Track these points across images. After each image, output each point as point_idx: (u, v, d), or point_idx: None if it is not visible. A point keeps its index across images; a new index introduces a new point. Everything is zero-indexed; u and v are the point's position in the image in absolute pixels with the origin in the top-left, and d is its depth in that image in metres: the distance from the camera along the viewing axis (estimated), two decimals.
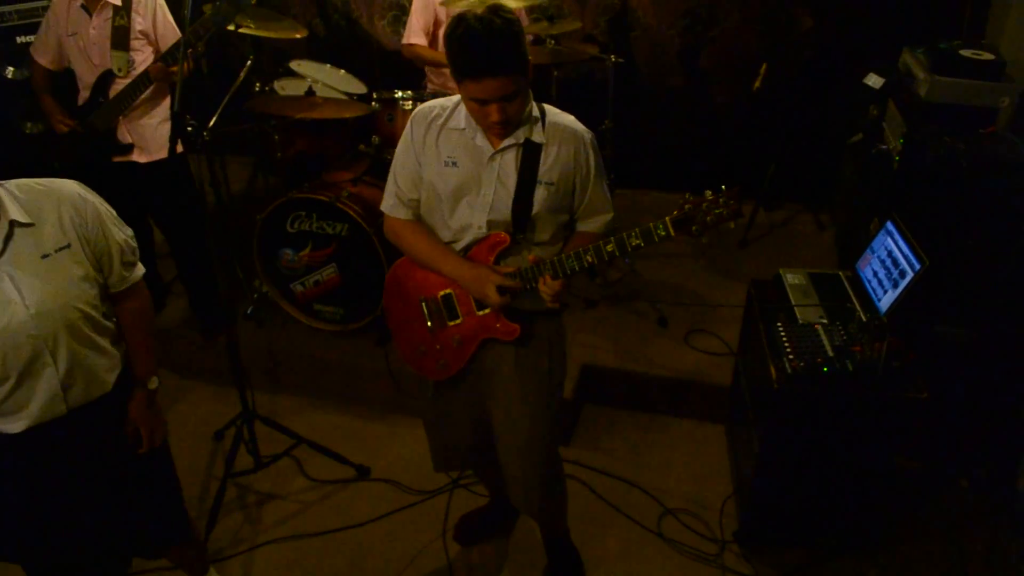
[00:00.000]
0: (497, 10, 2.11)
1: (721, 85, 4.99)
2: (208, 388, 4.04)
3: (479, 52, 2.08)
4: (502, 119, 2.18)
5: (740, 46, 4.85)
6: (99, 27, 3.59)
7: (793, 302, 3.03)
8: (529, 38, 4.20)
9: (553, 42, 3.92)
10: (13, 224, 2.02)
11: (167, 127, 3.80)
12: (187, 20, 3.01)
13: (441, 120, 2.34)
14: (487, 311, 2.43)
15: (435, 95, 3.79)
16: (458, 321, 2.48)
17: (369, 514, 3.31)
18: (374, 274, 3.71)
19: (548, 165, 2.32)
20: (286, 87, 4.29)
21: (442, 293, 2.48)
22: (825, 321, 2.92)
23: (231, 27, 3.61)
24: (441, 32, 4.23)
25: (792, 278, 3.18)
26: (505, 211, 2.33)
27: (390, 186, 2.48)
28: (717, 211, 2.16)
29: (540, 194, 2.32)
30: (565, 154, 2.33)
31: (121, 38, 3.58)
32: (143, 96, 3.63)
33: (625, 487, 3.41)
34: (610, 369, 3.79)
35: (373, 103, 3.90)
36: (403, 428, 3.74)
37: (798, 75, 4.75)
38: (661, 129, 5.14)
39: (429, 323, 2.52)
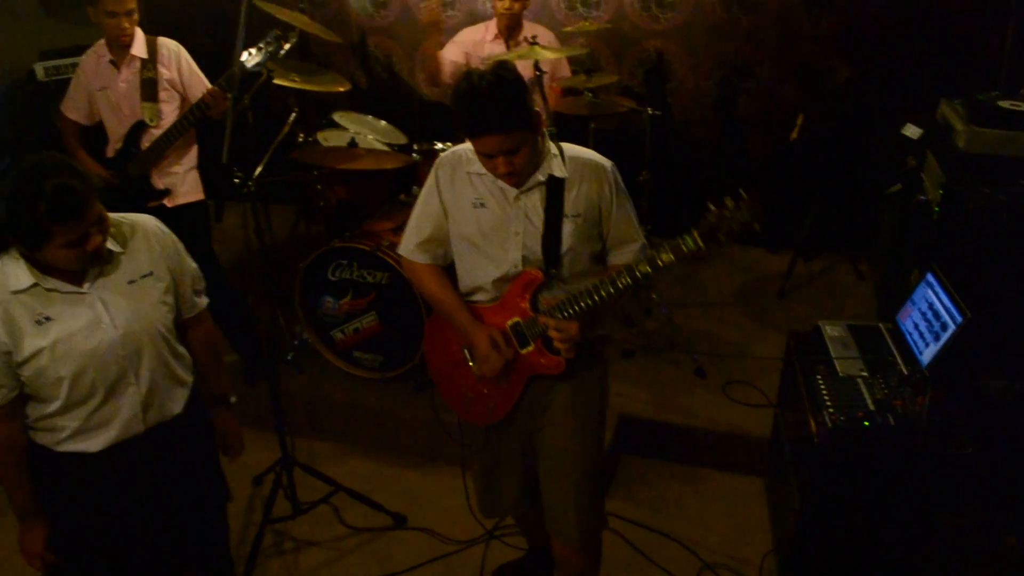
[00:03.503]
0: (501, 67, 2.20)
1: (758, 136, 5.02)
2: (248, 432, 4.03)
3: (477, 111, 2.17)
4: (507, 171, 2.25)
5: (776, 97, 4.88)
6: (128, 80, 3.73)
7: (833, 354, 3.00)
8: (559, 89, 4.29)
9: (591, 95, 3.98)
10: (109, 252, 2.17)
11: (195, 174, 3.93)
12: (237, 59, 3.10)
13: (465, 164, 2.41)
14: (530, 348, 2.45)
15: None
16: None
17: (405, 563, 3.30)
18: (413, 323, 3.75)
19: (573, 199, 2.36)
20: (329, 138, 4.39)
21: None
22: (866, 374, 2.89)
23: (278, 80, 3.72)
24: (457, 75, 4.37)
25: (831, 330, 3.16)
26: (536, 248, 2.38)
27: (410, 230, 2.55)
28: (741, 216, 2.17)
29: (568, 228, 2.36)
30: (588, 186, 2.37)
31: (150, 90, 3.72)
32: (174, 144, 3.75)
33: (662, 540, 3.37)
34: (647, 420, 3.78)
35: (414, 154, 3.98)
36: (440, 477, 3.75)
37: (835, 125, 4.76)
38: (698, 180, 5.16)
39: (472, 365, 2.54)
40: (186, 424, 2.43)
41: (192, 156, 3.90)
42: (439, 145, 3.89)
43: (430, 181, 2.48)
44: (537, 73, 3.59)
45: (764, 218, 2.21)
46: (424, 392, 3.88)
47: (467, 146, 2.41)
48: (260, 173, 3.46)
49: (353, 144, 4.13)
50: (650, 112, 4.11)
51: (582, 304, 2.36)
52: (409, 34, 5.33)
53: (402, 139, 4.46)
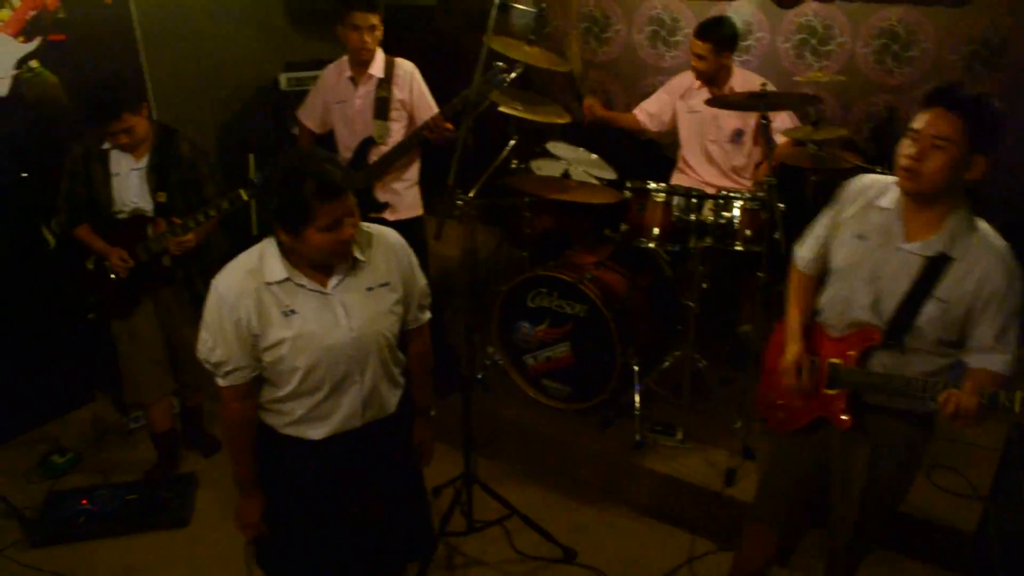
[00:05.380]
0: None
1: (995, 204, 4.65)
2: None
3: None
4: (914, 155, 2.17)
5: (1018, 164, 4.52)
6: (364, 97, 3.94)
7: None
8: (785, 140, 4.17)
9: (815, 147, 3.84)
10: (354, 260, 2.34)
11: (416, 190, 4.09)
12: (473, 91, 3.23)
13: (872, 193, 2.38)
14: (835, 391, 2.45)
15: (688, 192, 3.82)
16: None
17: None
18: (606, 358, 3.74)
19: (950, 283, 2.24)
20: (542, 167, 4.48)
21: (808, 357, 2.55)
22: None
23: (502, 108, 3.84)
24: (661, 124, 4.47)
25: None
26: (886, 310, 2.32)
27: (807, 239, 2.61)
28: None
29: (929, 308, 2.26)
30: (974, 276, 2.24)
31: (382, 108, 3.91)
32: (398, 161, 3.92)
33: None
34: None
35: (626, 191, 3.97)
36: (614, 516, 3.72)
37: None
38: None
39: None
40: (397, 423, 2.59)
41: (414, 172, 4.09)
42: (652, 184, 3.86)
43: (832, 205, 2.51)
44: (763, 122, 3.51)
45: None
46: (608, 429, 3.87)
47: (880, 176, 2.42)
48: (474, 195, 3.59)
49: (566, 175, 4.18)
50: (879, 171, 3.91)
51: (908, 390, 2.32)
52: (629, 70, 5.35)
53: (611, 174, 4.48)
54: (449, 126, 3.80)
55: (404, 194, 4.06)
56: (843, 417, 2.46)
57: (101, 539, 3.64)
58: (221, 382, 2.36)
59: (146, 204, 3.55)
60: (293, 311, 2.28)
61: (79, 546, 3.61)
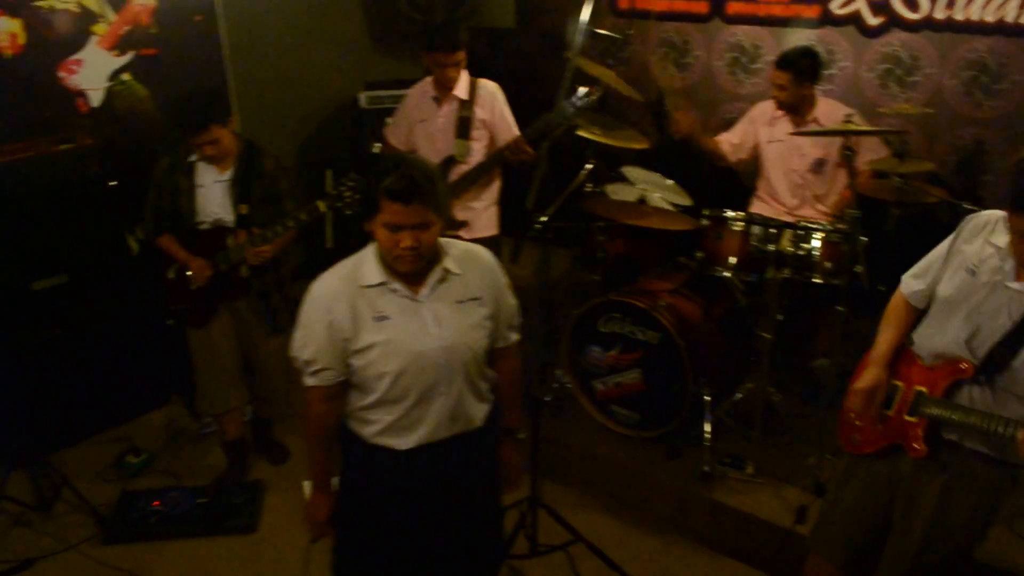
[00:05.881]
0: None
1: None
2: None
3: None
4: None
5: None
6: (446, 116, 3.99)
7: None
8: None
9: (900, 180, 3.75)
10: (447, 271, 2.38)
11: (493, 210, 4.10)
12: (555, 115, 3.23)
13: (987, 228, 2.34)
14: (916, 419, 2.40)
15: (767, 221, 3.76)
16: (889, 412, 2.50)
17: None
18: (677, 387, 3.70)
19: None
20: (617, 191, 4.46)
21: (893, 382, 2.52)
22: None
23: (580, 133, 3.85)
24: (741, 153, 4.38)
25: None
26: (982, 347, 2.26)
27: (920, 264, 2.56)
28: None
29: None
30: None
31: (464, 128, 3.96)
32: (478, 181, 3.95)
33: None
34: None
35: (703, 219, 3.93)
36: (681, 548, 3.65)
37: None
38: None
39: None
40: (484, 438, 2.59)
41: (493, 192, 4.12)
42: (730, 214, 3.81)
43: (951, 237, 2.48)
44: (847, 152, 3.44)
45: None
46: (676, 459, 3.82)
47: (998, 212, 2.36)
48: (549, 218, 3.58)
49: (641, 201, 4.16)
50: (966, 206, 3.80)
51: (988, 426, 2.25)
52: (709, 96, 5.30)
53: (687, 201, 4.44)
54: (528, 149, 3.82)
55: (481, 213, 4.09)
56: (917, 446, 2.41)
57: (171, 540, 3.71)
58: (309, 381, 2.42)
59: (228, 215, 3.63)
60: (385, 316, 2.34)
61: (149, 545, 3.68)
